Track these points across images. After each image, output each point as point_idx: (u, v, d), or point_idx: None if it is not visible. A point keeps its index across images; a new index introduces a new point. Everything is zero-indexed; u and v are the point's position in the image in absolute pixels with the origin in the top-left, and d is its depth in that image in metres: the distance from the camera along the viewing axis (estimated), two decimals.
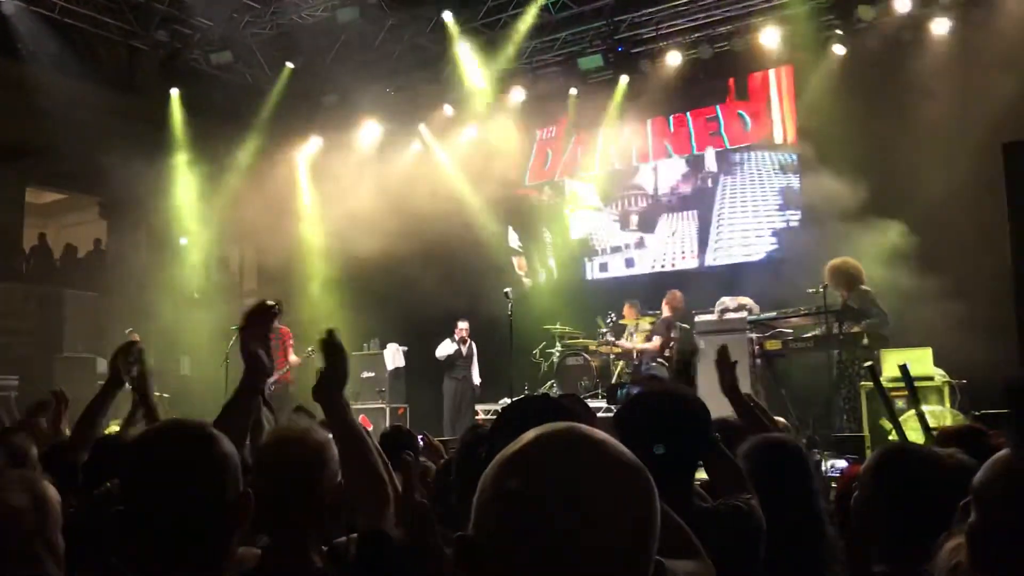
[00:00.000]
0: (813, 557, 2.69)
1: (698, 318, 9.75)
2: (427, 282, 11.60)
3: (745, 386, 7.95)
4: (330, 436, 2.14)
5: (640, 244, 13.06)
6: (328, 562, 2.01)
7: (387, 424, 10.78)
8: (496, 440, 1.63)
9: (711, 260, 12.33)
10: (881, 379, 5.95)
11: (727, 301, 9.64)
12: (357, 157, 13.49)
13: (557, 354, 11.33)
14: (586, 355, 11.10)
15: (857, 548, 2.23)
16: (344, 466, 2.10)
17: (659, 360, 10.21)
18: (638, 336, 10.63)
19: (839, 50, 10.91)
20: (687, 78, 12.05)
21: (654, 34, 12.08)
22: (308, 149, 14.11)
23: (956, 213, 9.14)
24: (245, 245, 15.61)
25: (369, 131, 13.63)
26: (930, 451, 2.42)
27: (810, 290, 8.51)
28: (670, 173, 12.93)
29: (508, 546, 0.96)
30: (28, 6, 11.36)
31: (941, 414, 6.84)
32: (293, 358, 10.70)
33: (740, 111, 12.25)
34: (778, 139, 11.96)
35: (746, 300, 9.62)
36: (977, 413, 6.24)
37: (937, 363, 7.46)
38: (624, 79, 12.33)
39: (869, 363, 6.86)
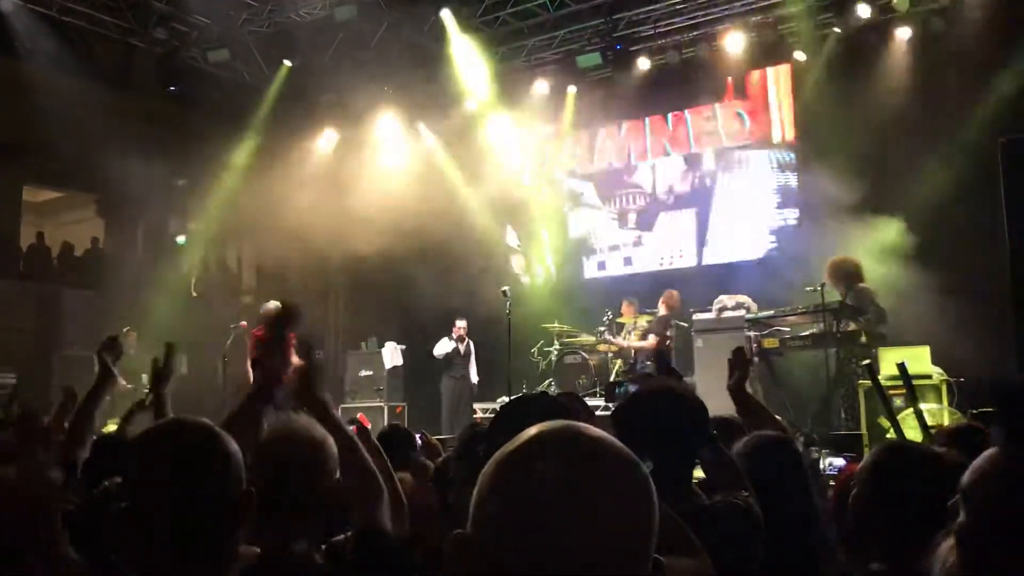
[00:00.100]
0: (808, 555, 2.70)
1: (696, 316, 9.76)
2: (425, 281, 11.60)
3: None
4: (328, 434, 2.14)
5: (638, 243, 13.07)
6: (327, 560, 2.01)
7: (385, 422, 10.78)
8: (495, 438, 1.63)
9: (709, 258, 12.34)
10: (879, 377, 5.95)
11: (725, 300, 9.66)
12: (355, 155, 13.48)
13: (555, 352, 11.33)
14: (584, 353, 11.11)
15: (854, 546, 2.23)
16: (339, 463, 2.11)
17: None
18: (635, 334, 10.64)
19: (837, 48, 10.91)
20: (685, 76, 12.05)
21: (652, 32, 12.08)
22: (306, 147, 14.09)
23: (953, 210, 9.15)
24: (243, 244, 15.59)
25: (367, 129, 13.61)
26: (928, 449, 2.43)
27: (808, 288, 8.52)
28: (668, 171, 12.93)
29: (506, 544, 0.96)
30: (26, 4, 11.35)
31: (939, 412, 6.85)
32: (295, 360, 10.68)
33: (738, 109, 12.26)
34: (776, 138, 11.97)
35: (744, 298, 9.63)
36: (975, 411, 6.25)
37: (935, 361, 7.47)
38: (622, 77, 12.33)
39: (867, 361, 6.87)
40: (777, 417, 4.15)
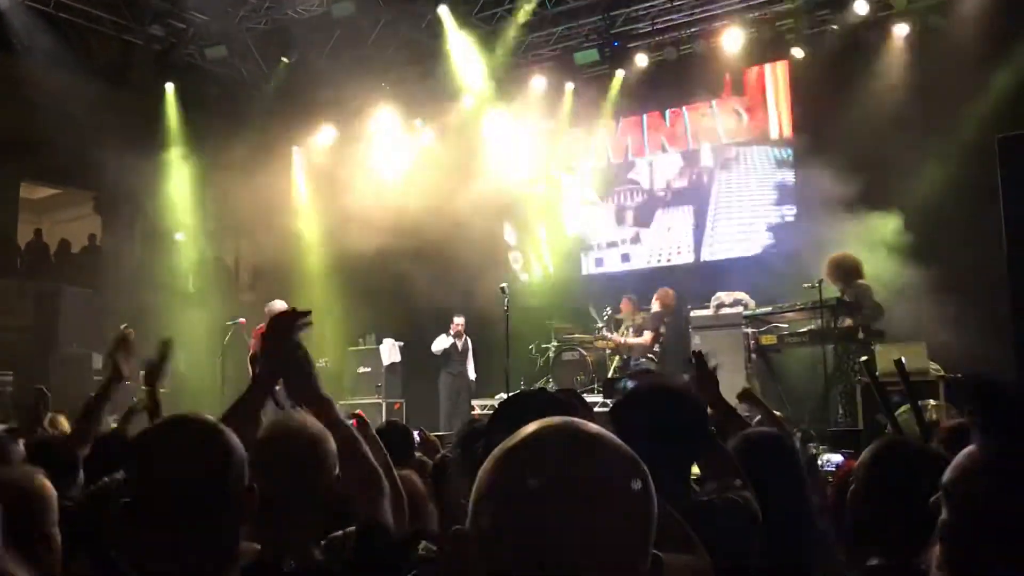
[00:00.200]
0: (804, 550, 2.71)
1: (694, 313, 9.78)
2: (423, 277, 11.59)
3: (741, 380, 8.01)
4: (326, 430, 2.14)
5: (636, 239, 13.07)
6: (326, 556, 2.01)
7: (383, 419, 10.78)
8: (493, 434, 1.64)
9: (707, 255, 12.34)
10: (876, 374, 5.96)
11: (723, 296, 9.67)
12: (352, 152, 13.47)
13: (553, 349, 11.34)
14: (582, 350, 11.12)
15: (852, 542, 2.24)
16: (339, 459, 2.11)
17: (649, 355, 10.24)
18: (632, 331, 10.65)
19: (834, 45, 10.91)
20: (682, 73, 12.05)
21: (649, 29, 12.08)
22: (303, 144, 14.08)
23: (951, 207, 9.16)
24: (241, 240, 15.58)
25: (364, 126, 13.60)
26: (925, 445, 2.43)
27: (806, 285, 8.52)
28: (666, 168, 12.93)
29: (505, 540, 0.96)
30: (23, 0, 11.32)
31: (936, 408, 6.86)
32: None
33: (736, 106, 12.26)
34: (773, 134, 11.97)
35: (742, 295, 9.64)
36: (971, 409, 6.25)
37: (932, 358, 7.48)
38: (620, 73, 12.33)
39: (864, 358, 6.88)
40: (777, 413, 4.16)
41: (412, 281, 11.72)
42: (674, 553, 1.71)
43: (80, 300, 12.57)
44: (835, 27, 10.90)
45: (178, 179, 13.21)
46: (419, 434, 4.79)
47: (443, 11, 11.82)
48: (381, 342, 12.60)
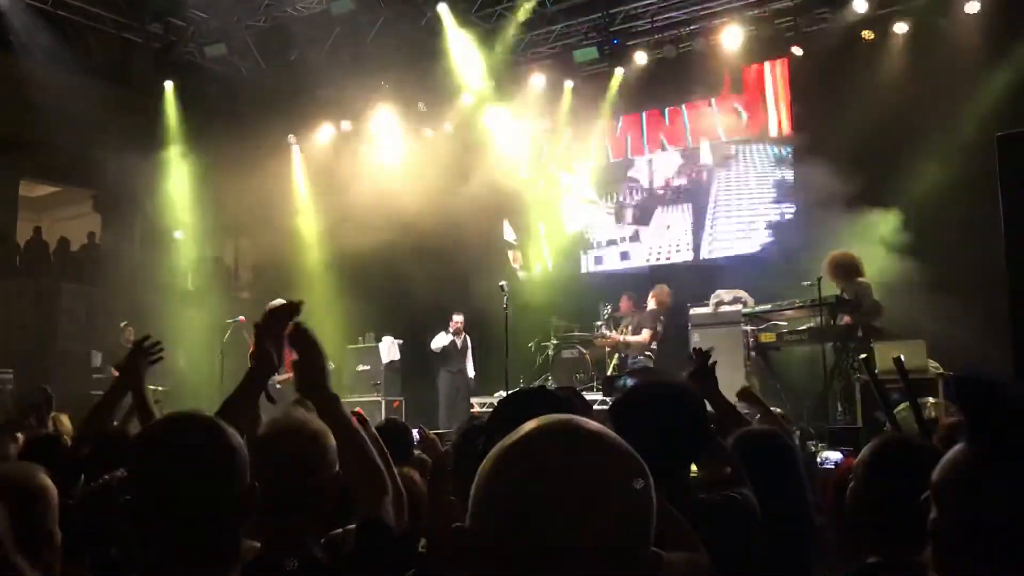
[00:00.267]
0: (802, 548, 2.71)
1: (693, 311, 9.78)
2: (422, 275, 11.59)
3: (740, 378, 8.02)
4: (326, 427, 2.14)
5: (635, 237, 13.07)
6: (327, 553, 2.01)
7: (383, 417, 10.78)
8: (493, 432, 1.64)
9: (706, 253, 12.34)
10: (875, 371, 5.96)
11: (722, 294, 9.68)
12: (351, 150, 13.47)
13: (552, 347, 11.34)
14: (581, 348, 11.12)
15: (851, 539, 2.24)
16: (340, 457, 2.10)
17: (647, 353, 10.24)
18: (630, 329, 10.66)
19: (834, 43, 10.91)
20: (682, 71, 12.04)
21: (649, 27, 12.08)
22: (303, 142, 14.07)
23: (950, 205, 9.15)
24: (240, 238, 15.59)
25: (364, 124, 13.59)
26: (925, 443, 2.44)
27: (805, 283, 8.51)
28: (665, 166, 12.93)
29: (505, 537, 0.96)
30: None
31: (935, 406, 6.87)
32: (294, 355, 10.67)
33: (735, 104, 12.26)
34: (773, 132, 11.97)
35: (741, 293, 9.64)
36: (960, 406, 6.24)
37: (931, 355, 7.48)
38: (619, 71, 12.33)
39: (863, 356, 6.88)
40: (775, 409, 4.16)
41: (411, 279, 11.72)
42: (673, 550, 1.71)
43: (79, 298, 12.59)
44: (834, 25, 10.88)
45: (177, 177, 13.21)
46: (418, 432, 4.79)
47: (442, 9, 11.82)
48: (380, 340, 12.59)
